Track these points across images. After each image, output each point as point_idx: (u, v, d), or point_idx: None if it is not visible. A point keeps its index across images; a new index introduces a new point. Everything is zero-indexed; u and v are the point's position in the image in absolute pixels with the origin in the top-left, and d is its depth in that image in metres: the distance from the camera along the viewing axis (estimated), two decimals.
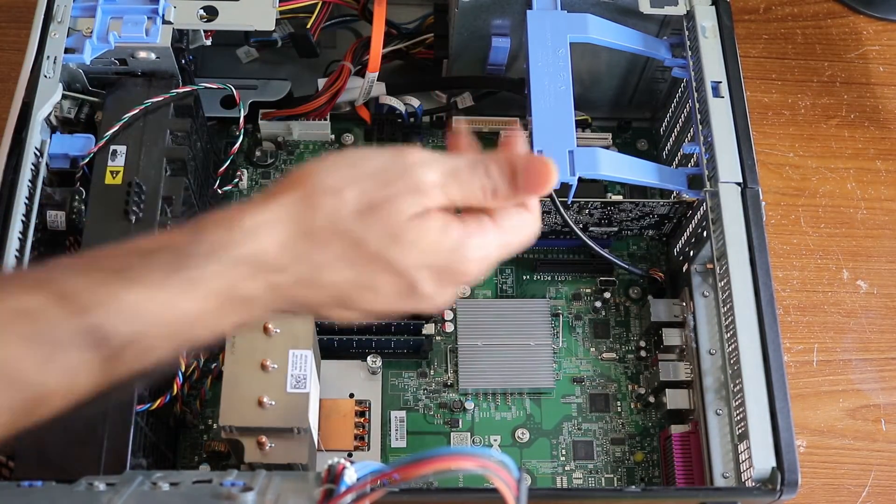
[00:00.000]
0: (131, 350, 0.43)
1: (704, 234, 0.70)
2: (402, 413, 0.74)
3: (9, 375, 0.41)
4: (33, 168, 0.65)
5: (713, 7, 0.73)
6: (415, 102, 0.83)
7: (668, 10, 0.73)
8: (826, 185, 0.87)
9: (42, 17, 0.69)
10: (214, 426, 0.72)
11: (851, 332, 0.81)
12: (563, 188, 0.69)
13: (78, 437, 0.58)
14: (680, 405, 0.72)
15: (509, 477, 0.44)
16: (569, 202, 0.71)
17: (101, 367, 0.43)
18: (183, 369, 0.67)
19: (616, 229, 0.79)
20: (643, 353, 0.78)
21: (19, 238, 0.63)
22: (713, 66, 0.71)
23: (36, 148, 0.66)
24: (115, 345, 0.42)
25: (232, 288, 0.44)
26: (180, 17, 0.71)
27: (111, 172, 0.68)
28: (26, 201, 0.64)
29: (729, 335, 0.64)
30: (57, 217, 0.67)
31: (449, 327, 0.77)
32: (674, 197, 0.74)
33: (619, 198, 0.75)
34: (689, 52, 0.73)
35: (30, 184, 0.65)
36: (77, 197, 0.68)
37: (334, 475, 0.47)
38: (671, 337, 0.74)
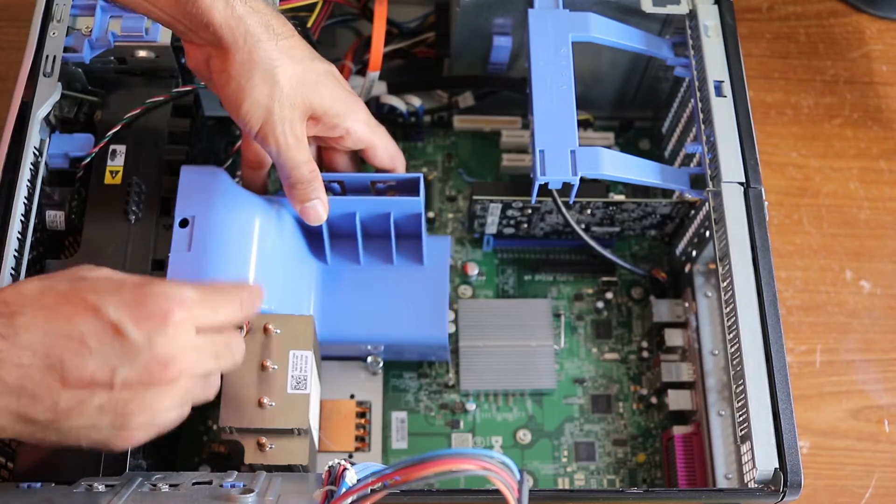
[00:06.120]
0: None
1: (707, 234, 0.69)
2: (404, 414, 0.74)
3: None
4: (32, 168, 0.65)
5: (716, 6, 0.73)
6: (416, 102, 0.83)
7: (671, 9, 0.73)
8: (829, 184, 0.87)
9: (41, 16, 0.69)
10: (214, 427, 0.72)
11: (855, 332, 0.81)
12: (565, 188, 0.68)
13: None
14: (682, 406, 0.72)
15: (511, 478, 0.44)
16: (571, 202, 0.71)
17: None
18: None
19: (618, 229, 0.78)
20: (645, 354, 0.77)
21: (18, 238, 0.62)
22: (716, 66, 0.70)
23: (35, 147, 0.66)
24: None
25: None
26: None
27: (111, 172, 0.67)
28: (25, 201, 0.64)
29: (731, 336, 0.63)
30: (56, 217, 0.67)
31: (451, 328, 0.76)
32: (676, 197, 0.74)
33: (622, 198, 0.74)
34: (692, 52, 0.73)
35: (29, 183, 0.64)
36: (76, 197, 0.67)
37: (335, 476, 0.47)
38: (673, 337, 0.74)
